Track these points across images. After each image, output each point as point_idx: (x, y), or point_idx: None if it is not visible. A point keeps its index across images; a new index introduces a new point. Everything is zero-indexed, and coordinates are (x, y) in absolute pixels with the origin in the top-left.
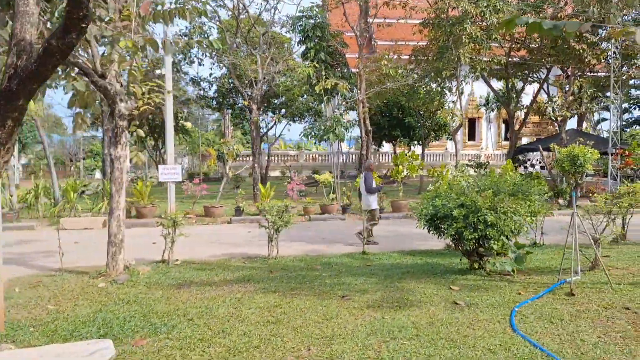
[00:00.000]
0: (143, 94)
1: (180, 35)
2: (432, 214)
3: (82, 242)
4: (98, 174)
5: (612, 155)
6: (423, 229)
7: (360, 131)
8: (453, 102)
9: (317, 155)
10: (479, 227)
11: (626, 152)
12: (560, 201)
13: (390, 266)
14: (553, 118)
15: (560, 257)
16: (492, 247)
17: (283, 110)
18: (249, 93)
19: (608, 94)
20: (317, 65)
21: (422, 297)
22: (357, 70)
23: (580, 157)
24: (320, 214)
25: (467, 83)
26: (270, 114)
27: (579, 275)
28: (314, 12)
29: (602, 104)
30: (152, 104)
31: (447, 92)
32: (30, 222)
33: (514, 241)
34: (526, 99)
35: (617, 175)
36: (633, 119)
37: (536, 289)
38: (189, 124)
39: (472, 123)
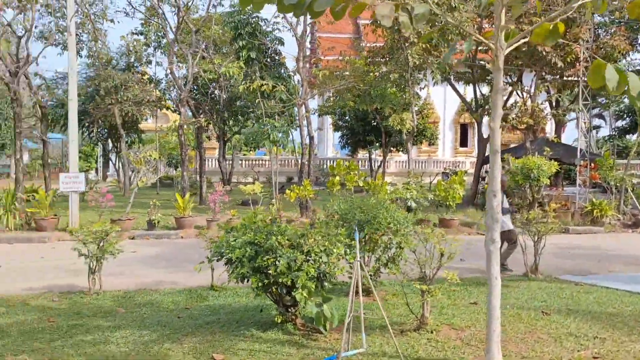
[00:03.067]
0: None
1: (135, 33)
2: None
3: None
4: (93, 175)
5: (578, 166)
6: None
7: (301, 137)
8: (413, 105)
9: (295, 161)
10: (269, 272)
11: (592, 164)
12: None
13: (211, 310)
14: (515, 125)
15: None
16: (296, 296)
17: (251, 114)
18: (178, 95)
19: (602, 100)
20: (243, 65)
21: None
22: (295, 70)
23: (534, 169)
24: None
25: (425, 87)
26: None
27: (365, 347)
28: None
29: (591, 111)
30: None
31: (405, 95)
32: None
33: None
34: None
35: (582, 187)
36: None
37: None
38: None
39: (465, 129)
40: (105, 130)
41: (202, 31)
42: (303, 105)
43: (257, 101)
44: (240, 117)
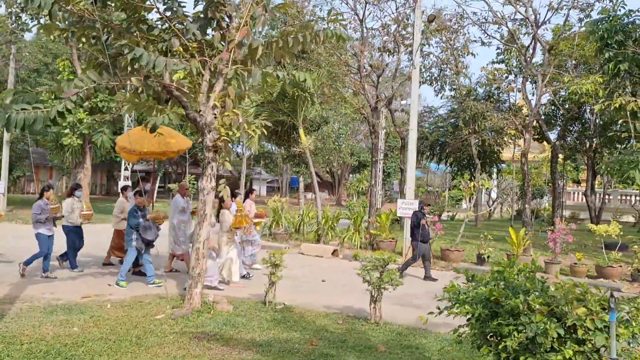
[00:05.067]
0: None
1: (495, 62)
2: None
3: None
4: (465, 205)
5: None
6: None
7: None
8: None
9: None
10: (507, 344)
11: None
12: None
13: None
14: None
15: None
16: None
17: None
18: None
19: None
20: (600, 79)
21: None
22: None
23: None
24: (594, 278)
25: None
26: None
27: None
28: (614, 11)
29: None
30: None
31: None
32: (286, 244)
33: None
34: None
35: None
36: None
37: None
38: None
39: None
40: (465, 160)
41: (566, 49)
42: None
43: (620, 121)
44: (618, 144)
